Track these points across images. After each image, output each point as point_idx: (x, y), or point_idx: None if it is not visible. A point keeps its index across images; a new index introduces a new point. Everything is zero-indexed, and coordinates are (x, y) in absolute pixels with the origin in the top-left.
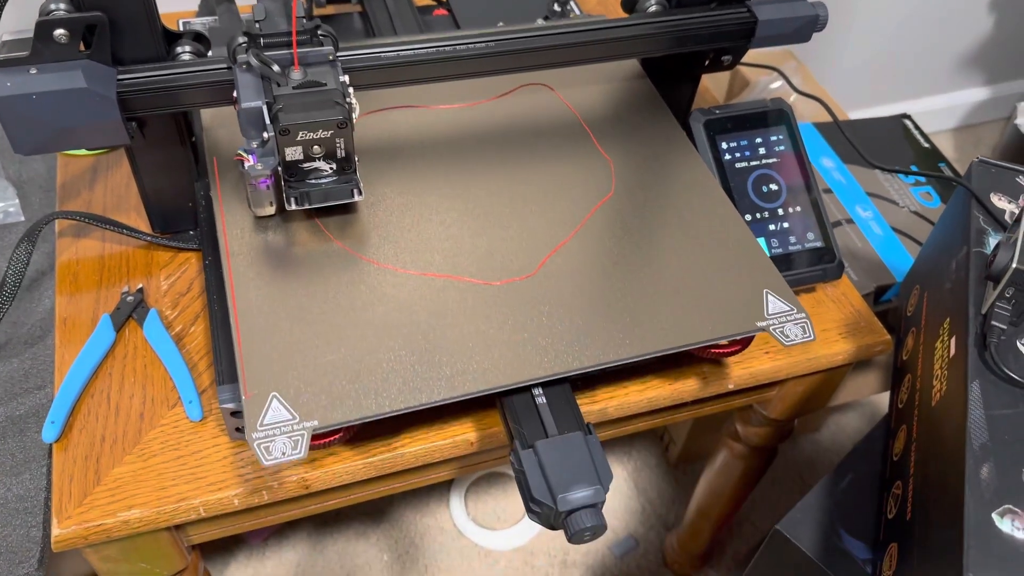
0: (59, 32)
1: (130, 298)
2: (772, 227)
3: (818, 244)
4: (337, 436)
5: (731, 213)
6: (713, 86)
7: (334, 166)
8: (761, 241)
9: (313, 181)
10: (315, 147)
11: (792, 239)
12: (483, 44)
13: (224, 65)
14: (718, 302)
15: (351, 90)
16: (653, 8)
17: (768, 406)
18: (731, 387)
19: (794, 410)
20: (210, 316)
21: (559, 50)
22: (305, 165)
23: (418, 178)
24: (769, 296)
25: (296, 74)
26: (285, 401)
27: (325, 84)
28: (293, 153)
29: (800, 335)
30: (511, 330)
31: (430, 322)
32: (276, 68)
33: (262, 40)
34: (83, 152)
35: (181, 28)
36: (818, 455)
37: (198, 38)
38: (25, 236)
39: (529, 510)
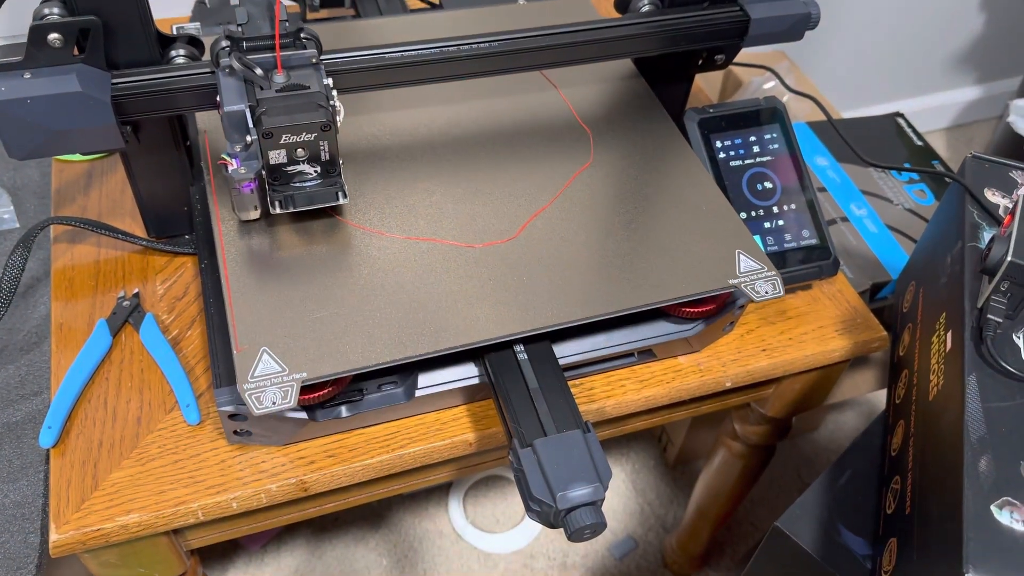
0: (53, 36)
1: (126, 303)
2: (767, 225)
3: (813, 241)
4: (327, 391)
5: (705, 179)
6: (706, 86)
7: (318, 169)
8: (757, 239)
9: (297, 184)
10: (299, 150)
11: (787, 237)
12: (472, 46)
13: (206, 69)
14: (692, 262)
15: (335, 93)
16: (646, 8)
17: (765, 404)
18: (728, 384)
19: (792, 408)
20: (207, 319)
21: (551, 51)
22: (289, 168)
23: (402, 149)
24: (741, 255)
25: (279, 77)
26: (275, 354)
27: (308, 87)
28: (277, 156)
29: (771, 291)
30: (492, 289)
31: (414, 282)
32: (259, 71)
33: (244, 44)
34: (78, 157)
35: (175, 33)
36: (816, 454)
37: (192, 41)
38: (20, 242)
39: (529, 509)
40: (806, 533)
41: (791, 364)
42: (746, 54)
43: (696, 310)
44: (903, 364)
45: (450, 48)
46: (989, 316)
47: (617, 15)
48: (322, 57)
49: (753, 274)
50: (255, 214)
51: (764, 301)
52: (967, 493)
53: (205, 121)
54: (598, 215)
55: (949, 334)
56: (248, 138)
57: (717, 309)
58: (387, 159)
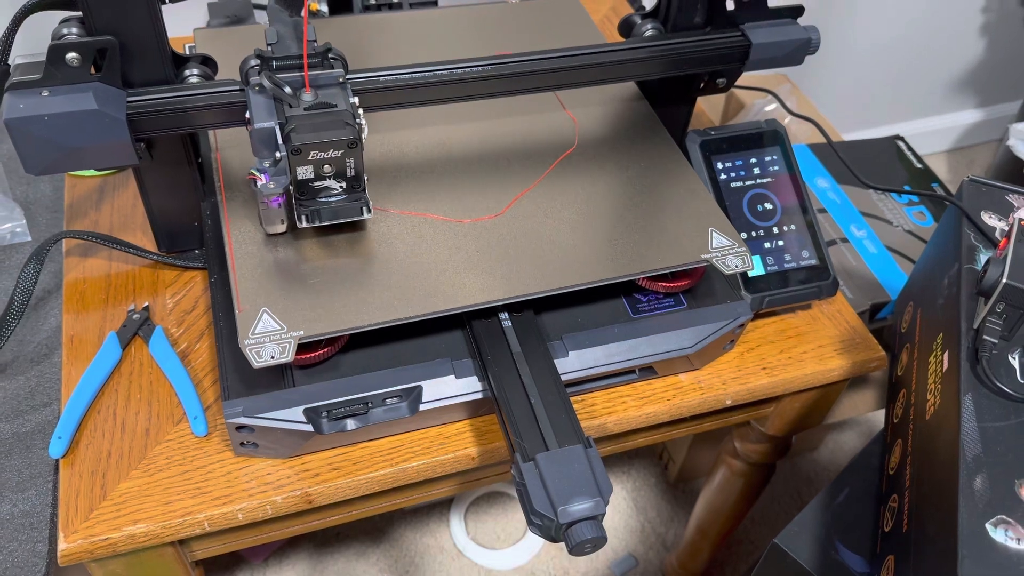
0: (71, 56)
1: (136, 316)
2: (767, 245)
3: (813, 262)
4: (323, 351)
5: (682, 164)
6: (708, 108)
7: (344, 184)
8: (756, 259)
9: (324, 199)
10: (326, 166)
11: (787, 257)
12: (486, 67)
13: (231, 87)
14: (668, 239)
15: (361, 111)
16: (649, 32)
17: (766, 422)
18: (729, 402)
19: (792, 426)
20: (216, 333)
21: (560, 73)
22: (316, 184)
23: (399, 132)
24: (713, 233)
25: (307, 96)
26: (274, 314)
27: (336, 105)
28: (304, 172)
29: (740, 265)
30: (479, 261)
31: (406, 252)
32: (288, 90)
33: (274, 63)
34: (90, 172)
35: (188, 52)
36: (816, 473)
37: (205, 61)
38: (33, 255)
39: (530, 523)
40: (804, 550)
41: (791, 383)
42: (748, 76)
43: (670, 284)
44: (901, 384)
45: (467, 68)
46: (985, 337)
47: (621, 39)
48: (349, 76)
49: (724, 250)
50: (282, 228)
51: (753, 322)
52: (962, 511)
53: (217, 138)
54: (580, 196)
55: (946, 354)
56: (277, 154)
57: (691, 284)
58: (384, 141)
